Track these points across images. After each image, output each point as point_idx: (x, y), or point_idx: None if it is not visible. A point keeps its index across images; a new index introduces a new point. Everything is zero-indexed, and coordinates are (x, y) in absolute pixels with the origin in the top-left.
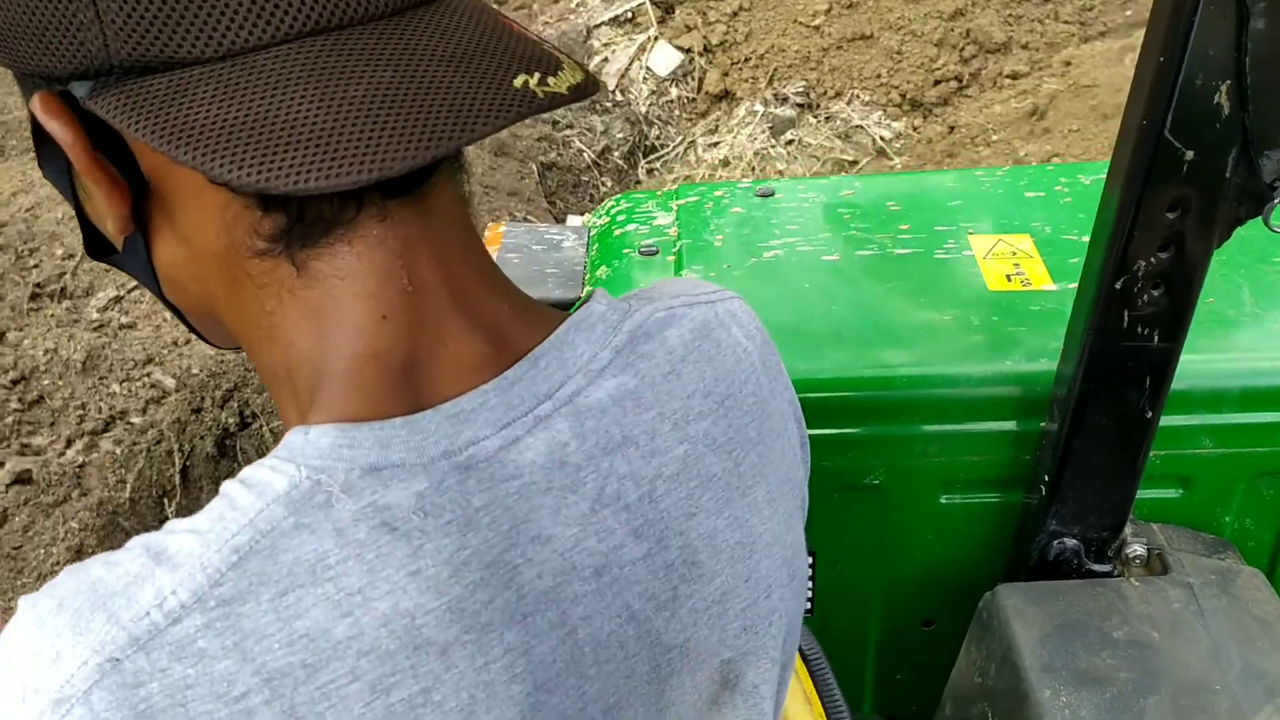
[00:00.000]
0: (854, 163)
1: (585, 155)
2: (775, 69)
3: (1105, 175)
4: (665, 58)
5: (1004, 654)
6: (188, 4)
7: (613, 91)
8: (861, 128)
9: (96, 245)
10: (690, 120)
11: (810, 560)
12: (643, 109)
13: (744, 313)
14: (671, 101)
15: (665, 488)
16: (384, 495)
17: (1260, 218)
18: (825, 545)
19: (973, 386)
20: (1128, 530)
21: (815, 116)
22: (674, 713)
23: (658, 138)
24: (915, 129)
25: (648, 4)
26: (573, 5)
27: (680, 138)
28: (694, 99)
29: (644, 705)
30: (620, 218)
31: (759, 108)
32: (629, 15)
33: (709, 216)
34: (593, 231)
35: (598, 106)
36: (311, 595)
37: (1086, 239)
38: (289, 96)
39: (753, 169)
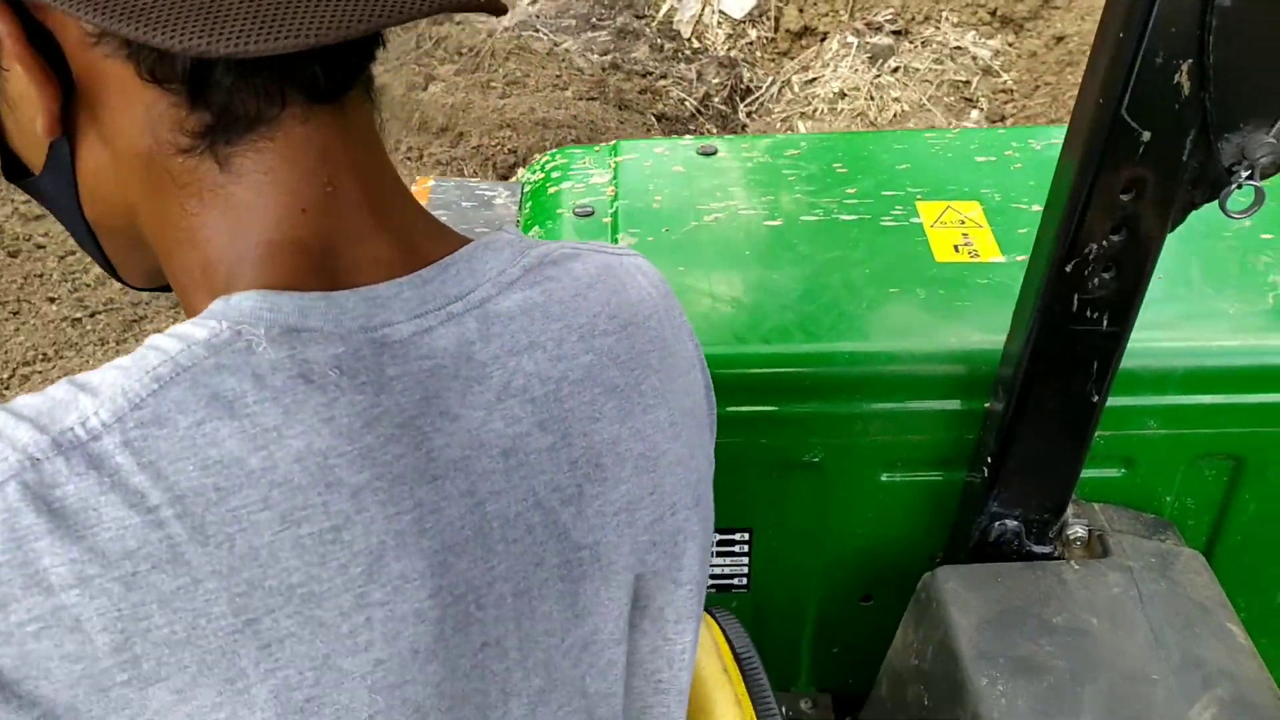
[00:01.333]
0: (966, 83)
1: (688, 103)
2: (853, 1)
3: (1057, 141)
4: (738, 1)
5: (941, 639)
6: None
7: (688, 39)
8: (961, 48)
9: (13, 168)
10: (774, 60)
11: (747, 536)
12: (720, 53)
13: (649, 268)
14: (751, 43)
15: (570, 390)
16: (302, 351)
17: (1216, 202)
18: (764, 522)
19: (916, 364)
20: (1069, 511)
21: (911, 42)
22: (591, 622)
23: (751, 80)
24: (1011, 45)
25: None
26: None
27: (770, 79)
28: (773, 38)
29: (558, 603)
30: (555, 174)
31: (851, 39)
32: None
33: (648, 175)
34: (526, 189)
35: (681, 54)
36: (228, 427)
37: (1037, 208)
38: None
39: (871, 98)
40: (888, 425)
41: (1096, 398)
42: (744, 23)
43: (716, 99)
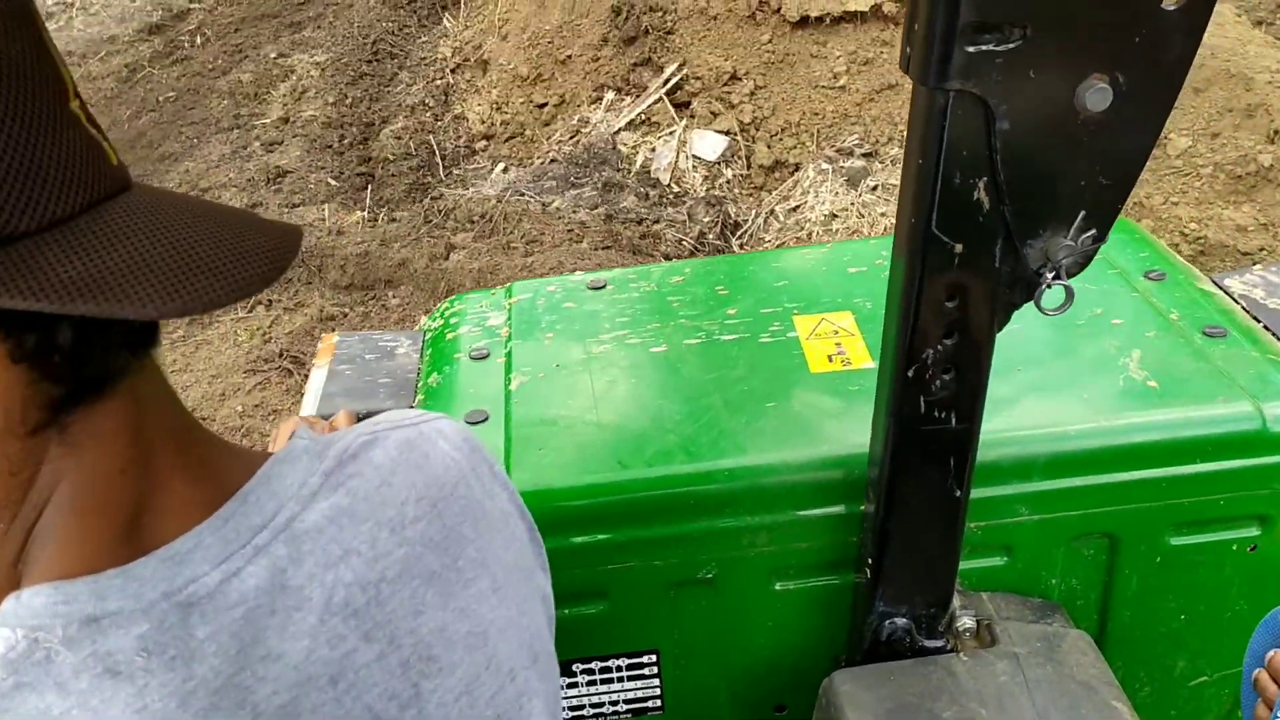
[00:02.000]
0: None
1: (685, 242)
2: (818, 130)
3: None
4: (710, 143)
5: None
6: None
7: (669, 184)
8: None
9: None
10: (752, 194)
11: (655, 658)
12: (701, 193)
13: (451, 429)
14: (729, 181)
15: (390, 590)
16: (104, 643)
17: (1032, 303)
18: (668, 642)
19: (795, 473)
20: (956, 602)
21: (881, 162)
22: None
23: (737, 214)
24: None
25: (665, 102)
26: (586, 123)
27: (753, 211)
28: (748, 174)
29: None
30: (454, 320)
31: (825, 165)
32: (644, 118)
33: (541, 313)
34: (427, 336)
35: (666, 199)
36: None
37: None
38: (108, 252)
39: (861, 214)
40: (775, 535)
41: (959, 492)
42: (718, 164)
43: (710, 235)
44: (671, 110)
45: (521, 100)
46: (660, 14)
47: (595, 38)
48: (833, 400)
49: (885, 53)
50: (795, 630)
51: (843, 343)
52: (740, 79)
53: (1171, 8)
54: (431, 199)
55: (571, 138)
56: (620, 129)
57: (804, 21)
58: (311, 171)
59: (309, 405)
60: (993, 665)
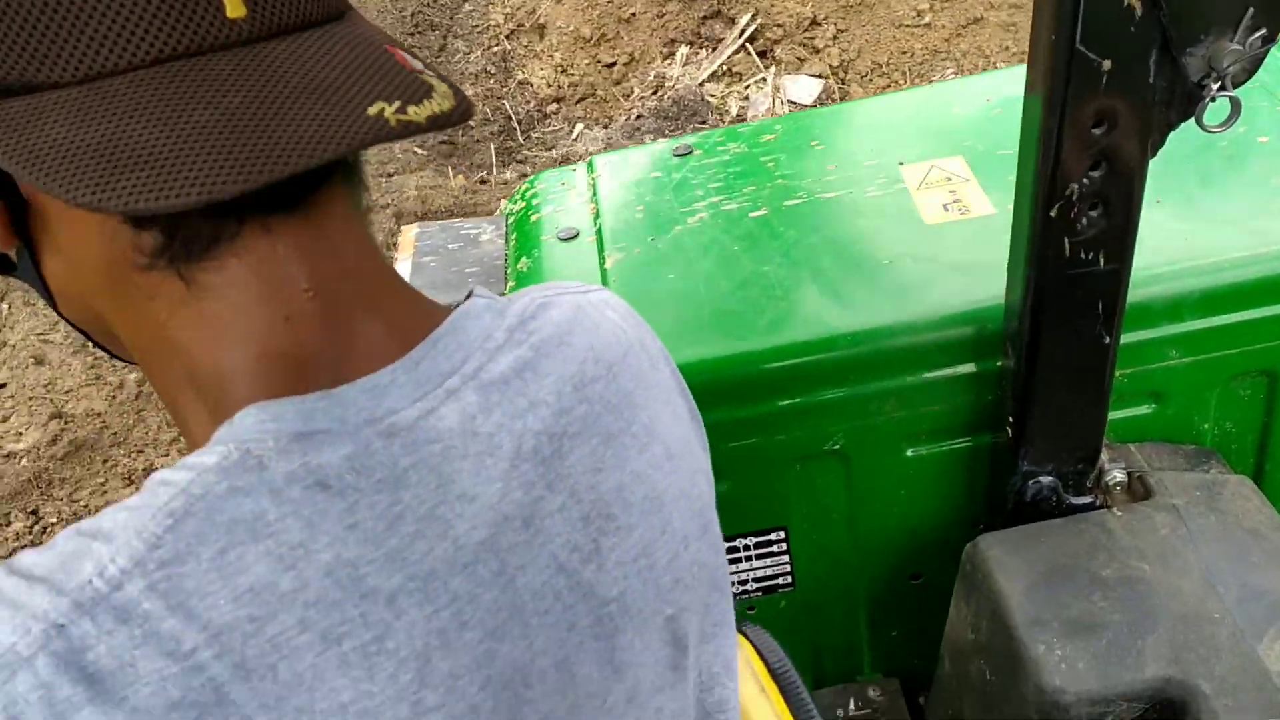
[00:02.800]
0: None
1: None
2: (909, 68)
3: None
4: (804, 87)
5: (992, 609)
6: (45, 29)
7: None
8: None
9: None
10: None
11: (783, 535)
12: None
13: (616, 300)
14: None
15: (571, 444)
16: (315, 457)
17: (1194, 119)
18: (798, 517)
19: (919, 333)
20: (1104, 457)
21: None
22: (632, 675)
23: None
24: None
25: (749, 51)
26: (664, 79)
27: None
28: None
29: (596, 662)
30: (535, 201)
31: None
32: (725, 69)
33: (627, 187)
34: (510, 220)
35: None
36: (253, 551)
37: None
38: (135, 121)
39: None
40: (904, 400)
41: (1108, 339)
42: (814, 106)
43: None
44: (756, 59)
45: (587, 61)
46: None
47: None
48: (954, 252)
49: None
50: (930, 497)
51: (956, 190)
52: (820, 24)
53: None
54: (518, 162)
55: (654, 94)
56: (704, 81)
57: None
58: (389, 143)
59: None
60: (1151, 518)
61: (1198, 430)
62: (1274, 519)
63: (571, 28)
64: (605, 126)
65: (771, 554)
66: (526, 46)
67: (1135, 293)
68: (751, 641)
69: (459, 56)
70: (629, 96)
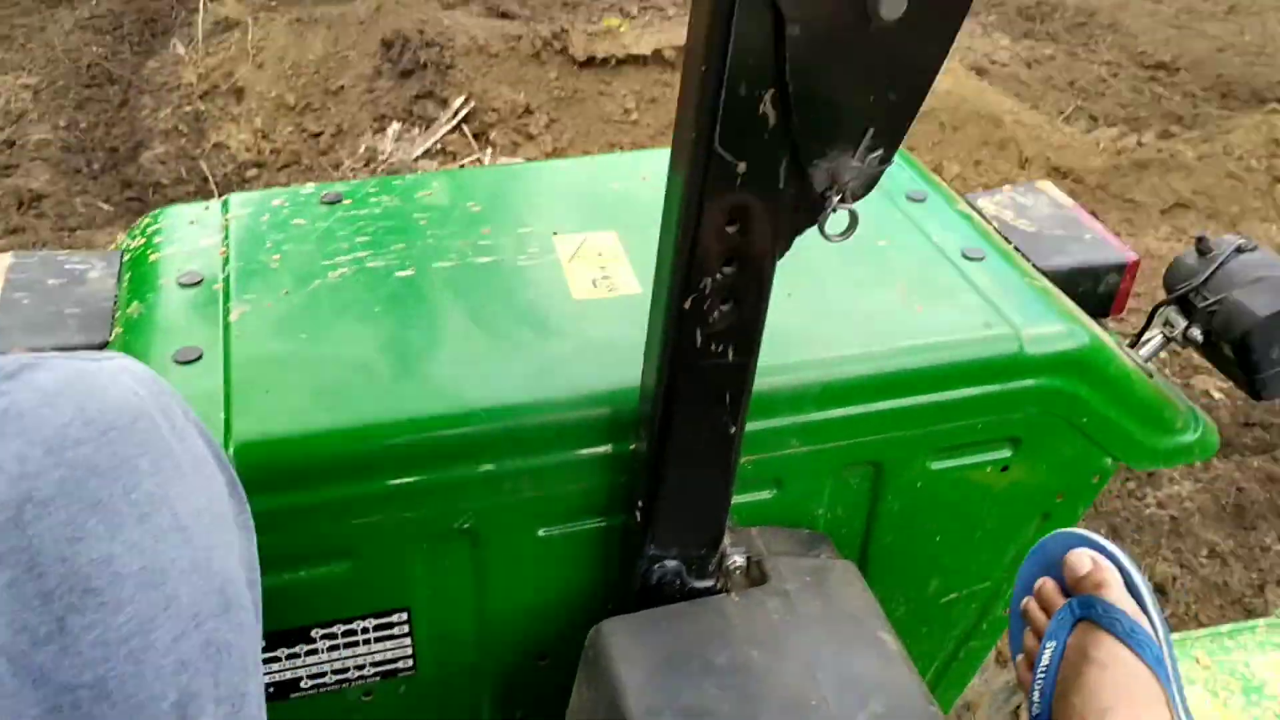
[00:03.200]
0: None
1: None
2: None
3: None
4: None
5: (610, 697)
6: None
7: None
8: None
9: None
10: None
11: (405, 616)
12: None
13: (137, 368)
14: None
15: (35, 513)
16: None
17: (816, 227)
18: (422, 597)
19: (557, 412)
20: (727, 540)
21: None
22: None
23: None
24: None
25: (464, 131)
26: (375, 152)
27: None
28: None
29: None
30: (158, 239)
31: None
32: (440, 147)
33: (265, 231)
34: (125, 258)
35: None
36: None
37: None
38: None
39: None
40: (539, 480)
41: (734, 429)
42: None
43: None
44: (472, 140)
45: (291, 129)
46: (438, 49)
47: (367, 69)
48: (598, 330)
49: (668, 92)
50: (561, 577)
51: (607, 266)
52: (534, 112)
53: None
54: None
55: (366, 165)
56: (418, 157)
57: (590, 61)
58: (72, 195)
59: None
60: (764, 604)
61: (813, 516)
62: (873, 604)
63: (274, 94)
64: None
65: (392, 636)
66: (222, 109)
67: (762, 383)
68: None
69: (146, 113)
70: (338, 167)
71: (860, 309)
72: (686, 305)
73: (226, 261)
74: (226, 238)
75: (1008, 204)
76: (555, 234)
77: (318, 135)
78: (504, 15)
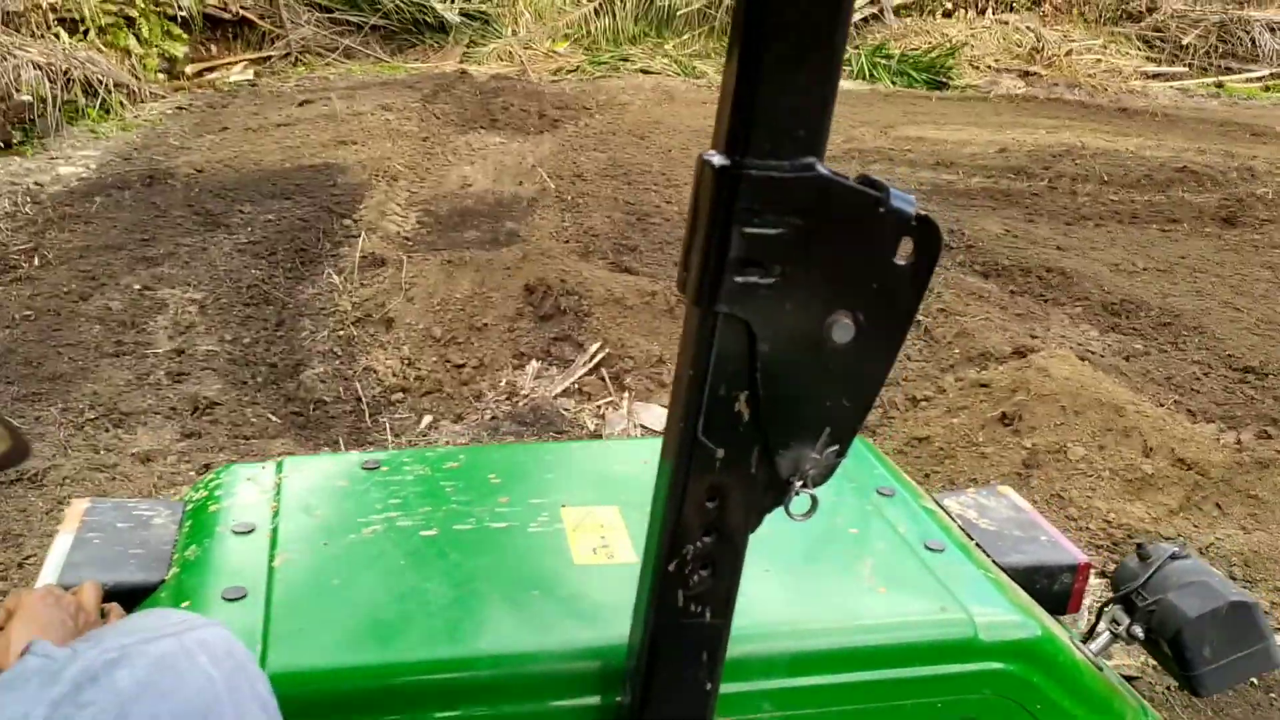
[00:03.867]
0: None
1: None
2: None
3: None
4: (656, 415)
5: None
6: None
7: None
8: None
9: None
10: None
11: None
12: None
13: (216, 640)
14: None
15: None
16: None
17: (783, 508)
18: None
19: (554, 663)
20: None
21: None
22: None
23: None
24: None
25: (604, 375)
26: (515, 386)
27: None
28: None
29: None
30: (219, 492)
31: None
32: (576, 387)
33: (311, 490)
34: (188, 507)
35: None
36: None
37: None
38: None
39: None
40: None
41: (710, 686)
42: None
43: None
44: (609, 383)
45: (435, 359)
46: (576, 297)
47: (510, 310)
48: (595, 592)
49: None
50: None
51: (607, 536)
52: (665, 362)
53: (902, 263)
54: (368, 443)
55: (508, 399)
56: (557, 395)
57: None
58: (243, 406)
59: (48, 574)
60: None
61: None
62: None
63: (421, 326)
64: (456, 421)
65: None
66: (372, 336)
67: (738, 648)
68: None
69: (305, 334)
70: (479, 397)
71: (828, 588)
72: (670, 568)
73: (276, 515)
74: (278, 494)
75: (970, 504)
76: (564, 506)
77: (460, 367)
78: (627, 270)
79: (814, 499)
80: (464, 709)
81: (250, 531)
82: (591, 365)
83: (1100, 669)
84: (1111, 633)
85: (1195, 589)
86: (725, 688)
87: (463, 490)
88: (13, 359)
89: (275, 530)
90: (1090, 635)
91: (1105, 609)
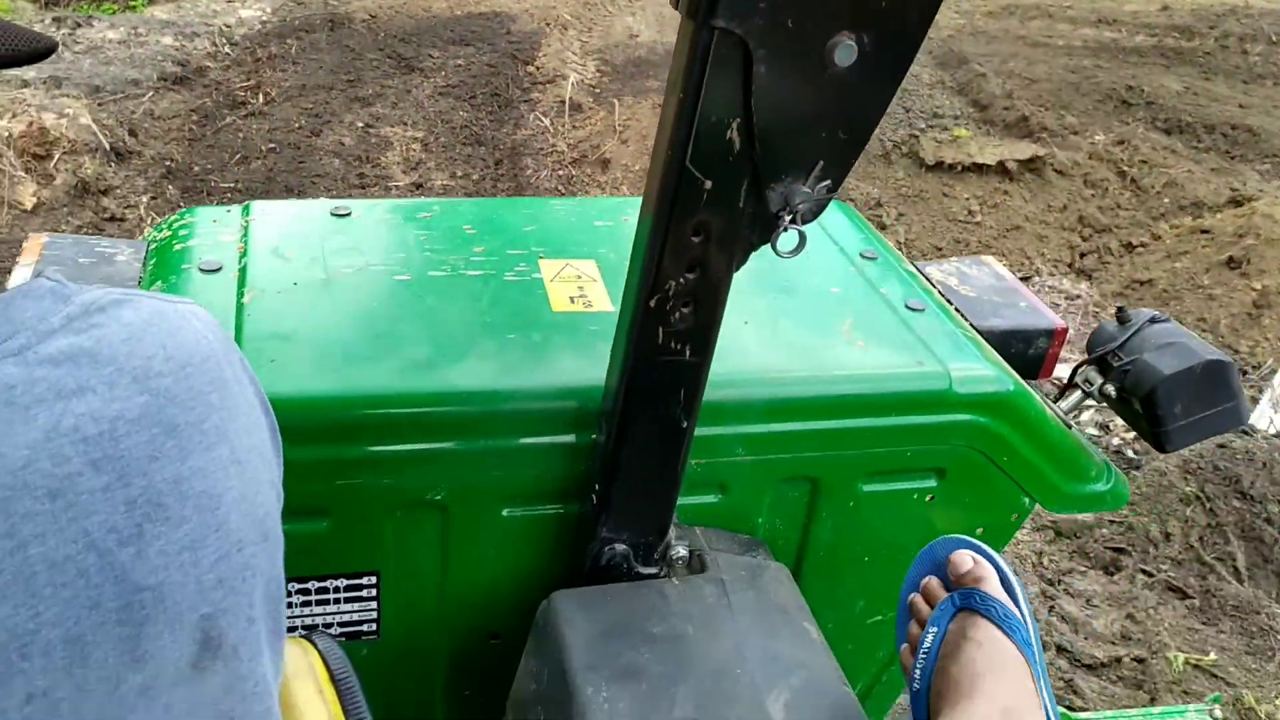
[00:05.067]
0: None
1: None
2: (962, 255)
3: None
4: None
5: (555, 659)
6: None
7: None
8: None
9: None
10: None
11: (375, 580)
12: None
13: (205, 315)
14: None
15: (127, 428)
16: None
17: (770, 244)
18: (391, 565)
19: (530, 401)
20: (672, 534)
21: (1034, 286)
22: (152, 666)
23: None
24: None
25: None
26: None
27: None
28: None
29: (115, 648)
30: (183, 232)
31: None
32: None
33: (280, 234)
34: (151, 246)
35: None
36: None
37: None
38: None
39: None
40: (507, 461)
41: (686, 424)
42: None
43: None
44: None
45: None
46: None
47: None
48: (571, 338)
49: (1008, 199)
50: (520, 558)
51: (585, 287)
52: (884, 205)
53: None
54: None
55: None
56: None
57: (938, 166)
58: None
59: None
60: (701, 589)
61: (753, 523)
62: (800, 601)
63: (637, 167)
64: None
65: (360, 599)
66: (590, 175)
67: (714, 393)
68: (317, 646)
69: (530, 172)
70: None
71: (807, 341)
72: (652, 304)
73: (244, 255)
74: (246, 236)
75: (953, 272)
76: (541, 257)
77: None
78: None
79: (802, 236)
80: (440, 442)
81: (217, 270)
82: None
83: (1069, 426)
84: (1084, 391)
85: (1173, 349)
86: (701, 430)
87: (437, 239)
88: (275, 186)
89: (244, 270)
90: (1062, 395)
91: (1079, 369)
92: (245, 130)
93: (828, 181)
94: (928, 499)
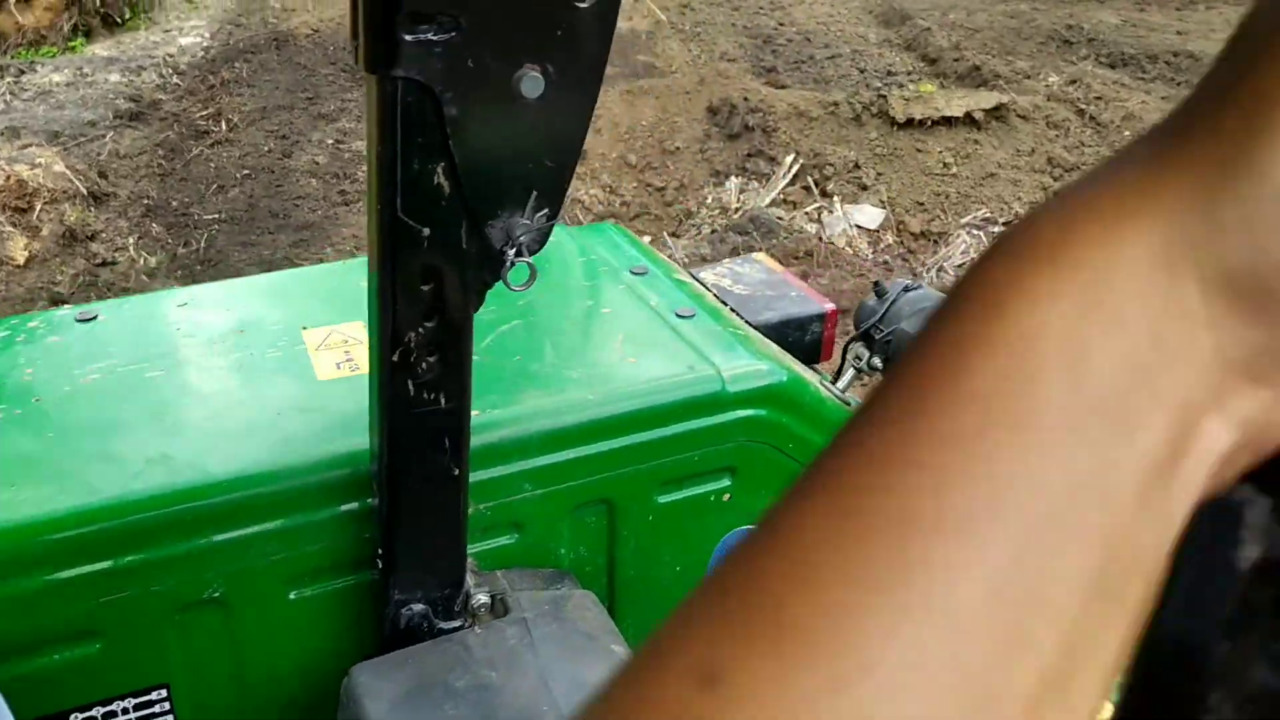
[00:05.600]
0: None
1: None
2: (945, 207)
3: None
4: (869, 215)
5: None
6: None
7: (844, 248)
8: None
9: None
10: (906, 258)
11: (166, 693)
12: (869, 256)
13: None
14: (888, 246)
15: None
16: None
17: (501, 281)
18: (179, 674)
19: (297, 477)
20: (470, 582)
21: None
22: None
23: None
24: None
25: (810, 183)
26: (725, 200)
27: (922, 271)
28: (900, 240)
29: None
30: None
31: (966, 237)
32: (782, 198)
33: (20, 349)
34: None
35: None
36: None
37: None
38: None
39: None
40: (286, 542)
41: (458, 471)
42: (878, 231)
43: None
44: (815, 189)
45: (635, 184)
46: (760, 114)
47: (697, 133)
48: (340, 404)
49: (979, 149)
50: (316, 638)
51: (351, 350)
52: (861, 167)
53: (584, 5)
54: None
55: (721, 214)
56: (767, 204)
57: (909, 123)
58: None
59: None
60: (503, 632)
61: (555, 555)
62: (608, 624)
63: (615, 155)
64: (676, 238)
65: (154, 715)
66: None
67: (491, 433)
68: None
69: None
70: (689, 216)
71: (581, 366)
72: (395, 358)
73: None
74: None
75: (726, 273)
76: (304, 328)
77: (661, 189)
78: (781, 87)
79: (531, 268)
80: (204, 537)
81: None
82: (791, 176)
83: (849, 404)
84: (855, 368)
85: (923, 313)
86: (483, 473)
87: (194, 329)
88: (259, 212)
89: None
90: (838, 376)
91: (848, 348)
92: (215, 159)
93: (546, 210)
94: (725, 498)
